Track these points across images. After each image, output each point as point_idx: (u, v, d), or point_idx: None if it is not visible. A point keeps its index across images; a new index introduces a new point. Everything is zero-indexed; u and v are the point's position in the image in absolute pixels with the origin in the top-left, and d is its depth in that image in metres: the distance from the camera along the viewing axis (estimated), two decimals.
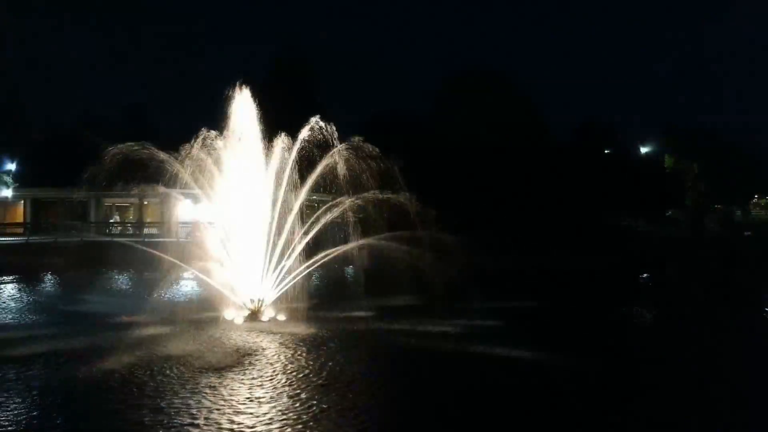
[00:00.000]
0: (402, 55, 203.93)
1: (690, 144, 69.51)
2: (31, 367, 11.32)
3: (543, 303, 19.99)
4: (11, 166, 55.67)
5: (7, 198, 44.28)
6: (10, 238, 35.32)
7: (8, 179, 53.17)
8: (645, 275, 32.47)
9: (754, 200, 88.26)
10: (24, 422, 8.55)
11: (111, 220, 44.59)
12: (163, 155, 16.28)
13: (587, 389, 10.40)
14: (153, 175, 17.34)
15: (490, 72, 57.84)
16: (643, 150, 73.44)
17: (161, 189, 19.59)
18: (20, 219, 43.56)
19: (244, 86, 17.28)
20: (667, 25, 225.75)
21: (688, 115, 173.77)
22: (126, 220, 46.38)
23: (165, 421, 8.41)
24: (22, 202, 44.86)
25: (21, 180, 52.96)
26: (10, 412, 8.87)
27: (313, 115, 16.86)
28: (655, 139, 74.74)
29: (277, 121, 17.75)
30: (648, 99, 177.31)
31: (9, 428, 8.31)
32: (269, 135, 17.36)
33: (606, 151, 67.17)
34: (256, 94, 17.54)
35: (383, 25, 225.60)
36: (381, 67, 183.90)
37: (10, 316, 17.85)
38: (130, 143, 16.22)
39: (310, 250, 17.42)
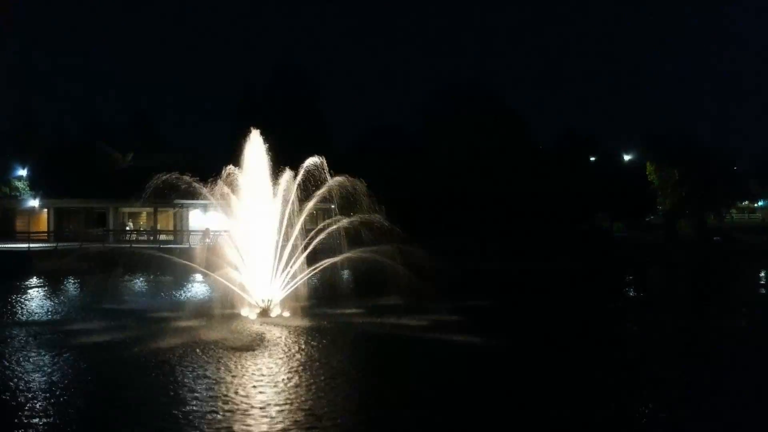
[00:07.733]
0: (397, 66, 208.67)
1: (671, 151, 72.78)
2: (90, 351, 15.07)
3: (497, 302, 23.88)
4: (23, 172, 59.34)
5: (33, 207, 48.09)
6: (39, 245, 38.95)
7: (20, 184, 56.70)
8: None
9: (744, 203, 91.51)
10: (115, 380, 12.75)
11: (127, 228, 48.36)
12: (204, 190, 20.14)
13: (516, 364, 14.35)
14: (169, 187, 21.16)
15: (475, 87, 61.66)
16: (626, 158, 77.06)
17: (177, 201, 23.50)
18: (44, 227, 47.20)
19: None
20: (652, 31, 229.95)
21: (671, 123, 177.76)
22: (140, 227, 50.20)
23: (204, 383, 12.34)
24: (46, 210, 48.60)
25: (33, 186, 56.35)
26: (113, 377, 13.10)
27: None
28: (636, 147, 78.19)
29: (279, 121, 21.52)
30: (632, 108, 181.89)
31: (110, 382, 12.38)
32: (273, 143, 21.11)
33: (591, 159, 70.91)
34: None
35: (381, 36, 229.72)
36: (377, 77, 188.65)
37: (61, 315, 21.59)
38: (175, 174, 20.01)
39: (310, 258, 21.42)
